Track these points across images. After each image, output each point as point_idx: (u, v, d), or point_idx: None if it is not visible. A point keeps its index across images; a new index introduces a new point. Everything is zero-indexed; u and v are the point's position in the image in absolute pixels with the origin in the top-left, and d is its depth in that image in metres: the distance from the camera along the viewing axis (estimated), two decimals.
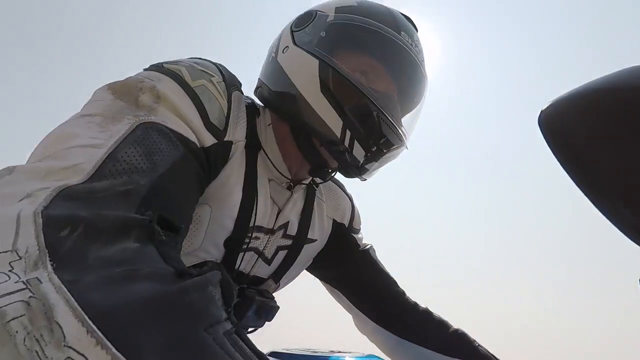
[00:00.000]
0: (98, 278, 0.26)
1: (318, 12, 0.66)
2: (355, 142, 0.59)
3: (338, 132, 0.59)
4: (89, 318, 0.23)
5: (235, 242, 0.60)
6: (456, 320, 0.80)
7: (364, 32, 0.63)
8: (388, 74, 0.63)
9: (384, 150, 0.62)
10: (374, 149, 0.61)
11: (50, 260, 0.25)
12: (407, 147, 0.69)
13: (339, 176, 0.75)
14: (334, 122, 0.59)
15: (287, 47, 0.65)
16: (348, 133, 0.59)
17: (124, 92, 0.46)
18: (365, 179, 0.70)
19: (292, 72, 0.63)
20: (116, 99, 0.45)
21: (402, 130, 0.64)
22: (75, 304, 0.23)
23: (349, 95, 0.59)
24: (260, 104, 0.68)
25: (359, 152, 0.60)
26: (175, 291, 0.27)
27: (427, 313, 0.81)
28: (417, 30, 0.69)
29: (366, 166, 0.63)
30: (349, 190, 0.85)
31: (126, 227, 0.31)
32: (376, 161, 0.64)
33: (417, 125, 0.72)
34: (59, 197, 0.30)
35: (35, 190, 0.30)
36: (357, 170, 0.64)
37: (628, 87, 0.31)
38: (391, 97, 0.64)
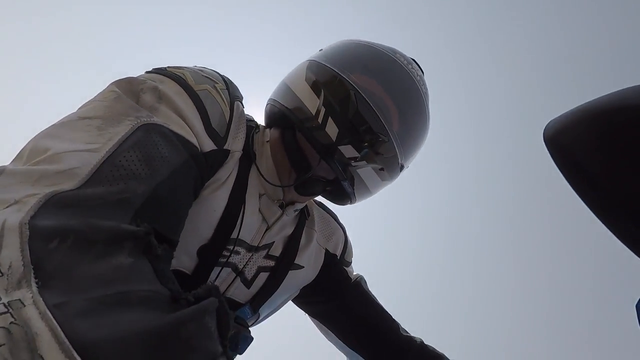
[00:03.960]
0: (88, 302, 0.24)
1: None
2: (330, 119, 0.59)
3: (313, 110, 0.60)
4: (77, 353, 0.21)
5: (211, 253, 0.57)
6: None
7: (358, 48, 0.66)
8: (383, 89, 0.62)
9: (361, 133, 0.59)
10: (350, 128, 0.59)
11: (35, 278, 0.23)
12: (401, 160, 0.65)
13: (332, 207, 0.73)
14: (310, 101, 0.61)
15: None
16: (323, 109, 0.60)
17: (126, 90, 0.45)
18: (354, 193, 0.66)
19: (289, 78, 0.67)
20: (118, 99, 0.43)
21: (388, 126, 0.60)
22: (62, 335, 0.21)
23: (329, 79, 0.62)
24: (262, 124, 0.69)
25: (332, 129, 0.59)
26: (171, 324, 0.25)
27: (421, 348, 0.78)
28: (422, 72, 0.70)
29: (341, 148, 0.59)
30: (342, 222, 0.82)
31: (120, 239, 0.29)
32: (355, 148, 0.59)
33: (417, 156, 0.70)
34: (49, 205, 0.28)
35: (24, 196, 0.28)
36: (327, 151, 0.59)
37: (636, 105, 0.32)
38: (382, 99, 0.61)
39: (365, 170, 0.63)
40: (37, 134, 0.38)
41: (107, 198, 0.32)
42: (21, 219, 0.26)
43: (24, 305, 0.22)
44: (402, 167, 0.67)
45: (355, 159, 0.60)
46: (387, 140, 0.61)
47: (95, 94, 0.45)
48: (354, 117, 0.59)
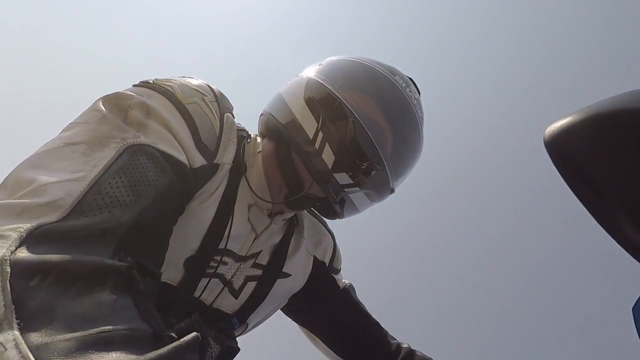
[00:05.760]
0: (70, 343, 0.24)
1: None
2: (327, 145, 0.59)
3: (311, 134, 0.60)
4: None
5: (198, 264, 0.56)
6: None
7: (359, 68, 0.66)
8: (381, 115, 0.63)
9: (357, 162, 0.60)
10: (347, 156, 0.59)
11: (17, 319, 0.23)
12: (392, 185, 0.66)
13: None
14: (309, 123, 0.60)
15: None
16: (320, 135, 0.59)
17: (114, 107, 0.44)
18: (343, 213, 0.67)
19: (286, 93, 0.66)
20: (102, 120, 0.43)
21: (384, 155, 0.61)
22: None
23: (328, 101, 0.61)
24: (255, 133, 0.69)
25: (328, 156, 0.59)
26: None
27: (410, 355, 0.78)
28: (419, 93, 0.70)
29: (336, 176, 0.59)
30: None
31: (102, 275, 0.30)
32: (349, 176, 0.60)
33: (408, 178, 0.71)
34: (31, 239, 0.29)
35: (7, 229, 0.29)
36: (322, 177, 0.59)
37: (638, 109, 0.32)
38: (378, 124, 0.62)
39: (356, 195, 0.64)
40: (20, 162, 0.38)
41: (91, 228, 0.33)
42: (2, 255, 0.26)
43: (6, 349, 0.22)
44: (392, 191, 0.69)
45: (349, 185, 0.62)
46: (382, 169, 0.63)
47: (80, 114, 0.45)
48: (351, 145, 0.60)
